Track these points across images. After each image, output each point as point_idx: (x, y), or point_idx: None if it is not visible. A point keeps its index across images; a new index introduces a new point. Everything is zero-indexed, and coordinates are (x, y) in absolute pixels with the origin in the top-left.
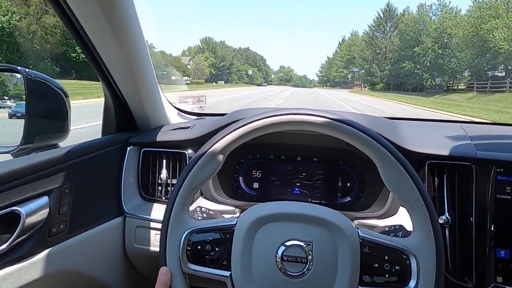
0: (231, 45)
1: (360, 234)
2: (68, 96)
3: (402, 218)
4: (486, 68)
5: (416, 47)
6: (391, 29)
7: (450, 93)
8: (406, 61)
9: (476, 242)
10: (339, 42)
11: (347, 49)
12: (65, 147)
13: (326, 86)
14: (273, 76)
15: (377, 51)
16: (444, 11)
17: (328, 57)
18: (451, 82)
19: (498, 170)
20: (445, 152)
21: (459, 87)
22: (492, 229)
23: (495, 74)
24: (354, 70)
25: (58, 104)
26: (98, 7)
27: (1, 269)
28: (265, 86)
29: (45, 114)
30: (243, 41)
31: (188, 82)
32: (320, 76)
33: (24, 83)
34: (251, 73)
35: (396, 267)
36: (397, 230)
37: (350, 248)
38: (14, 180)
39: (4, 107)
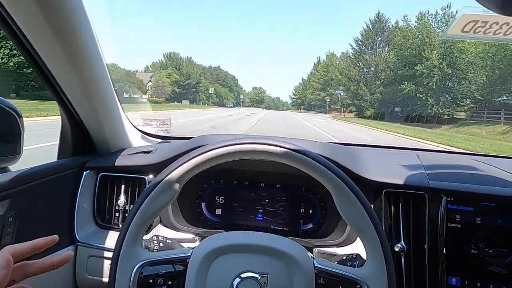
0: (200, 62)
1: (315, 265)
2: (21, 117)
3: (360, 246)
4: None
5: (418, 65)
6: (381, 44)
7: (464, 124)
8: (405, 82)
9: (429, 269)
10: (315, 64)
11: (324, 69)
12: (13, 172)
13: (300, 109)
14: (242, 97)
15: (365, 69)
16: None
17: (302, 79)
18: (458, 110)
19: (449, 199)
20: (400, 181)
21: (471, 116)
22: (443, 257)
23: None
24: (337, 91)
25: (11, 125)
26: (46, 22)
27: None
28: (231, 107)
29: None
30: (213, 60)
31: (144, 100)
32: (294, 98)
33: None
34: (212, 92)
35: None
36: (354, 259)
37: (305, 279)
38: None
39: None
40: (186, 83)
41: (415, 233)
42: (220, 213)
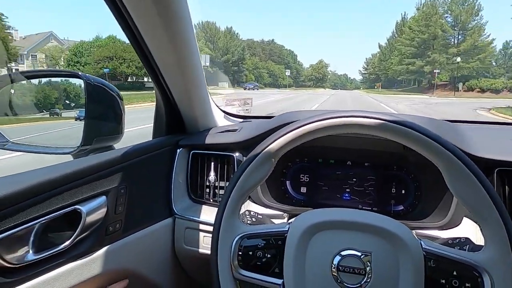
0: (248, 36)
1: (423, 246)
2: (122, 100)
3: (467, 229)
4: None
5: None
6: None
7: None
8: None
9: None
10: (398, 23)
11: (420, 24)
12: (120, 149)
13: (377, 87)
14: (302, 77)
15: None
16: None
17: (380, 46)
18: None
19: None
20: None
21: None
22: None
23: None
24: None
25: (114, 108)
26: (156, 12)
27: (65, 264)
28: (251, 89)
29: (102, 117)
30: (265, 33)
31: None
32: (365, 74)
33: (84, 88)
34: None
35: (467, 284)
36: (463, 243)
37: (413, 261)
38: (76, 180)
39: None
40: (222, 60)
41: None
42: (305, 191)
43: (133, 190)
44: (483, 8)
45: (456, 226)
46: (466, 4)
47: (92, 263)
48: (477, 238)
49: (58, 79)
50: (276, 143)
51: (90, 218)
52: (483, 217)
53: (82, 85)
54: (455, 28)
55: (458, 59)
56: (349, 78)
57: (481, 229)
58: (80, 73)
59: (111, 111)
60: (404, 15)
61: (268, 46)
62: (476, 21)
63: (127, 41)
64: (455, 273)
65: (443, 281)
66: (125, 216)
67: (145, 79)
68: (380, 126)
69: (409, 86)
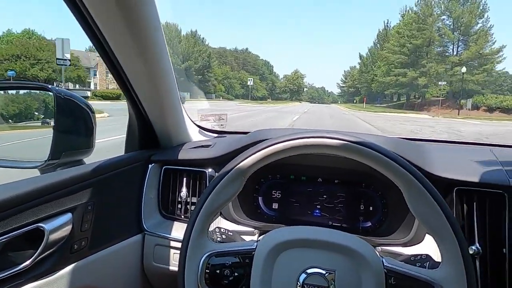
0: (220, 44)
1: (385, 264)
2: (94, 113)
3: (429, 246)
4: None
5: None
6: None
7: None
8: None
9: (510, 274)
10: (380, 31)
11: (412, 27)
12: (90, 164)
13: (354, 102)
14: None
15: None
16: None
17: (361, 56)
18: None
19: None
20: (475, 178)
21: None
22: None
23: None
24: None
25: (85, 121)
26: (125, 24)
27: (25, 284)
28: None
29: (72, 130)
30: (239, 42)
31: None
32: (343, 87)
33: (54, 101)
34: (252, 83)
35: None
36: (424, 260)
37: (375, 278)
38: (41, 196)
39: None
40: (183, 67)
41: (492, 235)
42: (277, 207)
43: (102, 206)
44: (489, 9)
45: (419, 243)
46: (468, 3)
47: (55, 282)
48: (437, 254)
49: (26, 92)
50: (245, 161)
51: (54, 236)
52: (439, 236)
53: (51, 98)
54: (455, 33)
55: (463, 69)
56: (327, 91)
57: (438, 247)
58: (49, 86)
59: (81, 125)
60: (387, 23)
61: (242, 55)
62: (481, 24)
63: (48, 37)
64: None
65: None
66: (92, 233)
67: (71, 86)
68: (344, 146)
69: (394, 101)
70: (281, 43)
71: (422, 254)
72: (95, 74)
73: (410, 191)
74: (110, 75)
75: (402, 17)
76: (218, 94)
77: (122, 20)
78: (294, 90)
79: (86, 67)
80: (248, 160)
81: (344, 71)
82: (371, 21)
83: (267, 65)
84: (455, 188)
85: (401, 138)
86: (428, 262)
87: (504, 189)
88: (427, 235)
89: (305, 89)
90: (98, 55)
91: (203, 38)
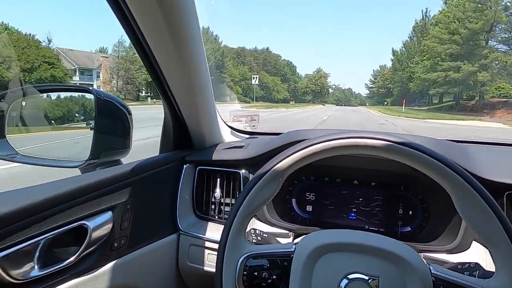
0: (243, 44)
1: (432, 272)
2: (131, 114)
3: (477, 254)
4: None
5: None
6: None
7: None
8: None
9: None
10: (417, 22)
11: (466, 7)
12: (128, 164)
13: (385, 104)
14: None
15: None
16: None
17: (394, 52)
18: None
19: None
20: None
21: None
22: None
23: None
24: None
25: (122, 122)
26: (165, 26)
27: (69, 280)
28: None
29: (111, 131)
30: (261, 43)
31: None
32: (372, 87)
33: (95, 102)
34: (255, 82)
35: None
36: (473, 269)
37: (422, 287)
38: (83, 195)
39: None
40: None
41: None
42: (310, 209)
43: (139, 205)
44: None
45: (465, 250)
46: None
47: (96, 279)
48: (487, 263)
49: (69, 94)
50: (283, 162)
51: (96, 234)
52: (493, 244)
53: (93, 100)
54: None
55: None
56: (354, 92)
57: (491, 255)
58: (91, 88)
59: (119, 126)
60: (426, 12)
61: (262, 55)
62: None
63: (25, 31)
64: None
65: None
66: (130, 232)
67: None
68: (388, 147)
69: (435, 103)
70: (305, 42)
71: (470, 262)
72: (98, 76)
73: (460, 195)
74: (114, 80)
75: (445, 3)
76: (234, 97)
77: (162, 21)
78: (316, 91)
79: (85, 68)
80: (286, 161)
81: (373, 70)
82: (401, 15)
83: (290, 65)
84: (506, 193)
85: (447, 140)
86: (478, 271)
87: None
88: (474, 242)
89: (330, 90)
90: (103, 55)
91: (216, 35)
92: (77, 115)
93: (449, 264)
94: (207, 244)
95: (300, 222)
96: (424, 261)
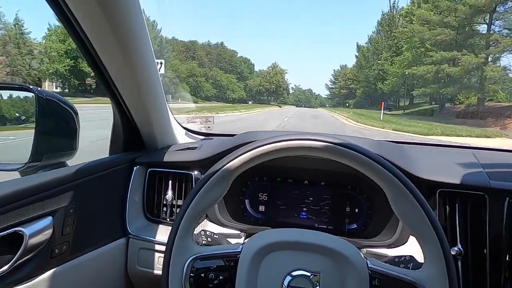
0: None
1: (369, 265)
2: (77, 114)
3: (413, 248)
4: None
5: None
6: None
7: None
8: None
9: (491, 275)
10: (383, 14)
11: None
12: (72, 166)
13: (347, 106)
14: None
15: None
16: None
17: (359, 47)
18: None
19: None
20: (457, 180)
21: None
22: (507, 264)
23: None
24: None
25: (68, 122)
26: (108, 25)
27: None
28: None
29: (55, 132)
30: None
31: None
32: (333, 88)
33: (36, 102)
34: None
35: None
36: (408, 261)
37: (359, 280)
38: (20, 200)
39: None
40: None
41: (474, 236)
42: (263, 210)
43: (84, 209)
44: None
45: (403, 244)
46: None
47: None
48: (421, 256)
49: (6, 92)
50: (232, 163)
51: (33, 240)
52: (422, 238)
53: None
54: None
55: None
56: (314, 93)
57: (421, 248)
58: (31, 86)
59: (64, 126)
60: (394, 2)
61: (215, 50)
62: None
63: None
64: None
65: None
66: (73, 237)
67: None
68: (327, 148)
69: (408, 107)
70: (265, 41)
71: (406, 256)
72: None
73: (393, 193)
74: None
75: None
76: (178, 96)
77: (106, 18)
78: (271, 89)
79: None
80: (234, 162)
81: (334, 70)
82: (364, 16)
83: (247, 62)
84: (438, 190)
85: (385, 140)
86: (411, 263)
87: (484, 190)
88: (411, 236)
89: (290, 90)
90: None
91: (154, 21)
92: (17, 114)
93: (387, 258)
94: (158, 247)
95: (253, 222)
96: (362, 256)
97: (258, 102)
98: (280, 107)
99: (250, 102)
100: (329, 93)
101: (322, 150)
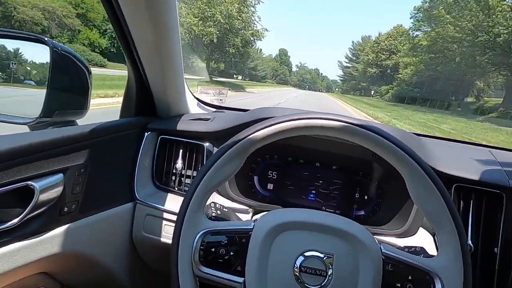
0: None
1: (383, 251)
2: (91, 74)
3: (423, 239)
4: None
5: None
6: None
7: None
8: None
9: (499, 274)
10: None
11: None
12: (84, 126)
13: (376, 95)
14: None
15: None
16: None
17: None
18: None
19: None
20: (475, 176)
21: None
22: None
23: None
24: None
25: (81, 80)
26: None
27: (11, 243)
28: None
29: (67, 88)
30: None
31: None
32: (349, 67)
33: (50, 55)
34: None
35: None
36: (418, 252)
37: (372, 264)
38: (32, 153)
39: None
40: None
41: (485, 234)
42: (271, 188)
43: (94, 170)
44: None
45: (412, 235)
46: None
47: (42, 244)
48: (430, 248)
49: (19, 43)
50: (248, 139)
51: (44, 196)
52: (439, 225)
53: (48, 52)
54: None
55: None
56: (321, 74)
57: (435, 237)
58: (46, 38)
59: (77, 84)
60: None
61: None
62: None
63: None
64: (410, 277)
65: (399, 284)
66: (83, 197)
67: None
68: (348, 129)
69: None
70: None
71: (416, 246)
72: None
73: (413, 178)
74: None
75: None
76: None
77: None
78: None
79: None
80: (251, 138)
81: (353, 42)
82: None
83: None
84: (454, 185)
85: (405, 131)
86: (422, 254)
87: (502, 189)
88: (420, 228)
89: (294, 68)
90: None
91: None
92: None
93: (397, 247)
94: (165, 215)
95: (261, 200)
96: (376, 241)
97: (249, 79)
98: (276, 88)
99: (238, 78)
100: (342, 73)
101: (342, 131)
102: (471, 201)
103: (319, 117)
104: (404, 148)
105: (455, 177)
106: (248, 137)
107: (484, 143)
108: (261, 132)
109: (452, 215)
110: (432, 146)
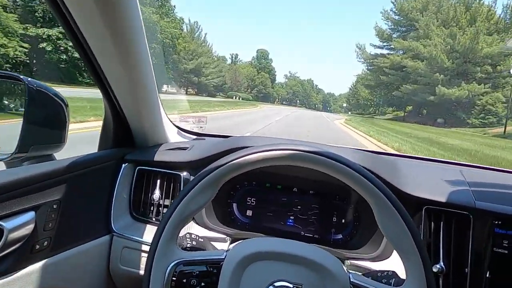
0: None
1: (351, 280)
2: (68, 106)
3: (396, 263)
4: None
5: None
6: None
7: None
8: None
9: None
10: None
11: None
12: (60, 161)
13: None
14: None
15: None
16: None
17: None
18: None
19: (496, 222)
20: (443, 198)
21: None
22: (487, 283)
23: None
24: None
25: (58, 114)
26: (103, 20)
27: None
28: None
29: (43, 123)
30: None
31: None
32: (373, 67)
33: (26, 92)
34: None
35: None
36: (390, 277)
37: None
38: (3, 193)
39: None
40: None
41: (456, 255)
42: (251, 214)
43: (69, 205)
44: None
45: (387, 258)
46: None
47: (13, 284)
48: (402, 272)
49: None
50: (222, 169)
51: (14, 235)
52: (405, 255)
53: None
54: None
55: None
56: (316, 86)
57: (403, 265)
58: (22, 76)
59: (53, 118)
60: None
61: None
62: None
63: None
64: None
65: None
66: (56, 233)
67: None
68: (312, 159)
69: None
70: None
71: (388, 271)
72: None
73: (379, 208)
74: None
75: None
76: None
77: (101, 12)
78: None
79: None
80: (224, 168)
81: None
82: None
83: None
84: (424, 207)
85: (372, 152)
86: (393, 279)
87: (469, 210)
88: (394, 251)
89: (278, 79)
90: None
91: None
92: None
93: (371, 272)
94: (143, 247)
95: (240, 227)
96: (345, 270)
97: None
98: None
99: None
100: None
101: (309, 161)
102: (441, 223)
103: (287, 148)
104: (365, 175)
105: (425, 200)
106: (221, 167)
107: (453, 160)
108: (234, 163)
109: (416, 244)
110: (401, 166)
